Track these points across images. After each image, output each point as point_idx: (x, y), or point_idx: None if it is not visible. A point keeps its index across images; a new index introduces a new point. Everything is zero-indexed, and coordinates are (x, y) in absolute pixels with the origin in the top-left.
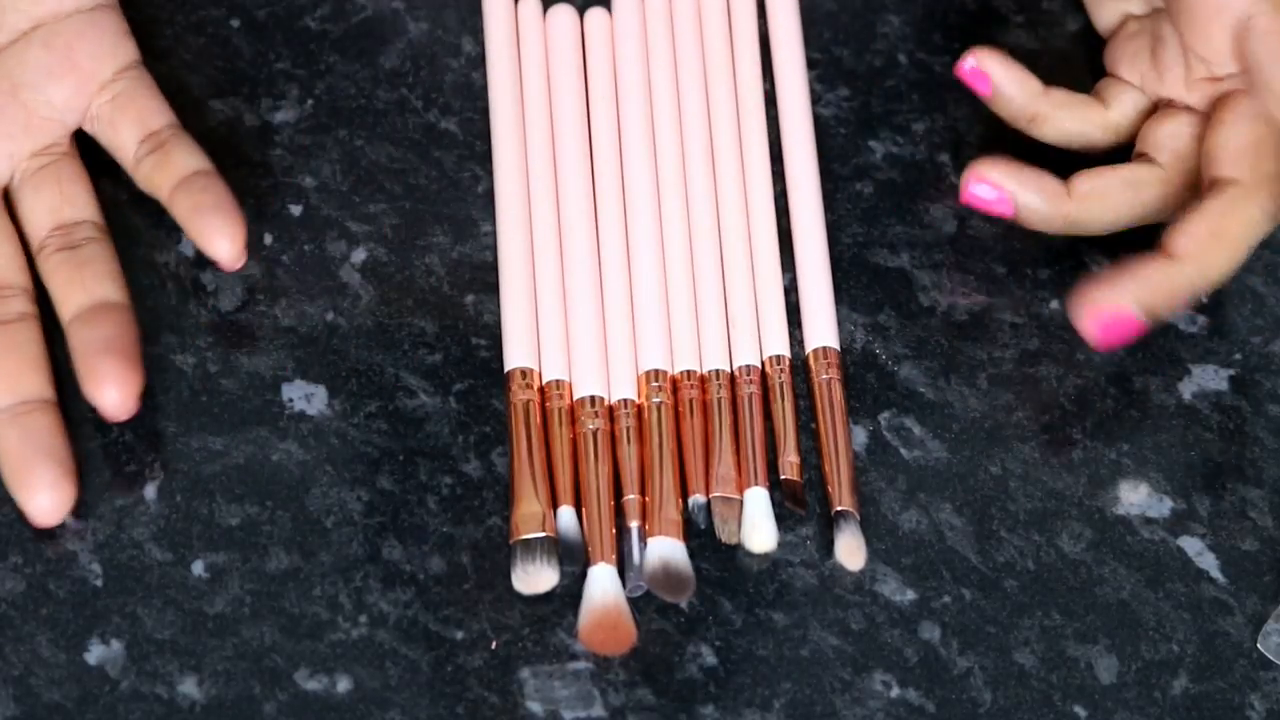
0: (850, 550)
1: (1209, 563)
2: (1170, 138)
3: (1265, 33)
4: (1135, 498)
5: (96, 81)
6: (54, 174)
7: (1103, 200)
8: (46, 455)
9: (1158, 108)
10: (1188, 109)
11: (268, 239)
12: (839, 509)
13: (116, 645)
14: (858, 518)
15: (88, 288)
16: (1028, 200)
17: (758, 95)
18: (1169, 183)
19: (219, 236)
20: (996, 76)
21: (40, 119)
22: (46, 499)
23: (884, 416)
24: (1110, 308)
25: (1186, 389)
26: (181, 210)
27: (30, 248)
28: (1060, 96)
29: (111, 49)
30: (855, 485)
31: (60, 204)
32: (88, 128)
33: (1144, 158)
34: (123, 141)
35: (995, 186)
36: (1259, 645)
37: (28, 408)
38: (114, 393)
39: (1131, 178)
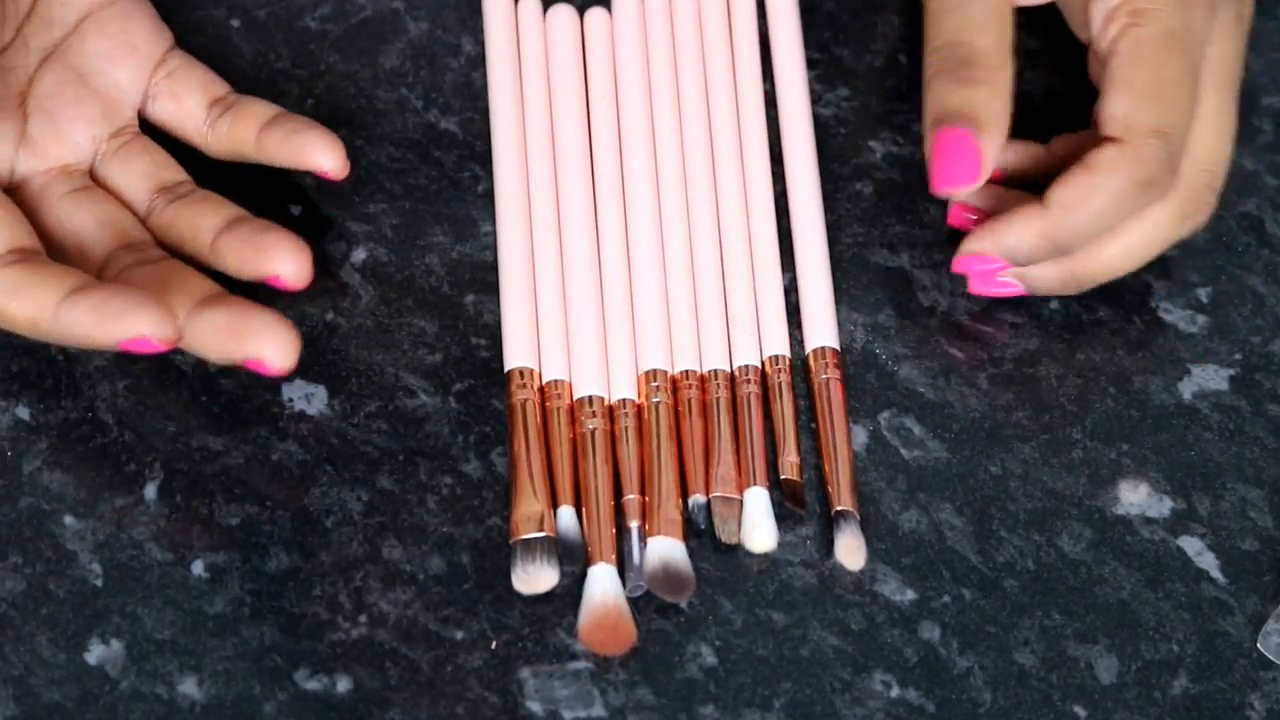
0: (850, 550)
1: (1209, 563)
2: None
3: (1112, 57)
4: (1135, 498)
5: (153, 60)
6: (139, 147)
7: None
8: (257, 312)
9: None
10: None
11: None
12: (839, 509)
13: (116, 645)
14: (858, 517)
15: (216, 212)
16: (1014, 242)
17: (758, 95)
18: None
19: (322, 150)
20: (1008, 253)
21: (114, 101)
22: (273, 346)
23: (884, 416)
24: (977, 254)
25: (1186, 389)
26: (274, 144)
27: (137, 214)
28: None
29: (158, 30)
30: (855, 485)
31: (155, 169)
32: (147, 108)
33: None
34: (188, 110)
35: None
36: (1259, 645)
37: (213, 299)
38: (290, 262)
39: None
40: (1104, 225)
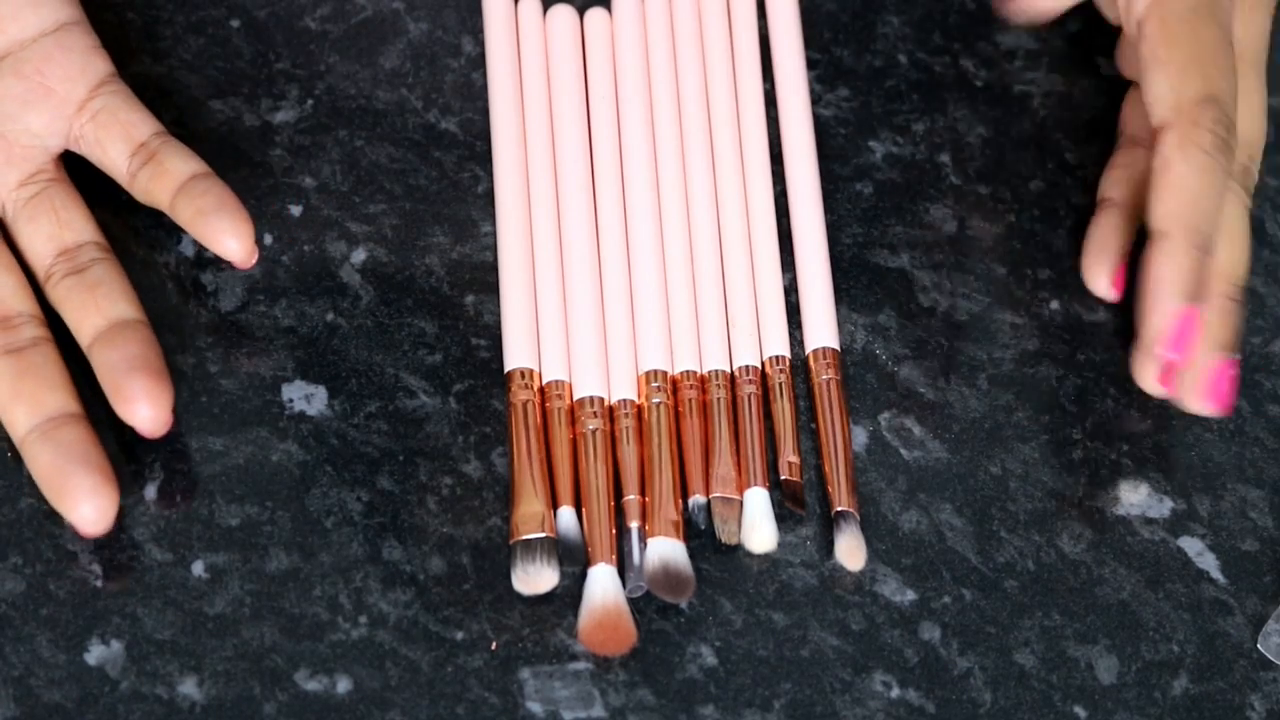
0: (850, 550)
1: (1209, 563)
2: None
3: (1145, 39)
4: (1135, 498)
5: (73, 103)
6: (47, 201)
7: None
8: (82, 463)
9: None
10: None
11: (268, 239)
12: (839, 509)
13: (116, 645)
14: (858, 518)
15: (102, 309)
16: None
17: (758, 95)
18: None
19: (227, 236)
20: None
21: (22, 148)
22: (90, 508)
23: (884, 416)
24: (1166, 344)
25: None
26: (185, 216)
27: (37, 278)
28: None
29: (82, 68)
30: (855, 485)
31: (58, 230)
32: (74, 149)
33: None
34: (112, 159)
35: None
36: (1259, 646)
37: (55, 423)
38: (147, 409)
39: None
40: (1214, 208)
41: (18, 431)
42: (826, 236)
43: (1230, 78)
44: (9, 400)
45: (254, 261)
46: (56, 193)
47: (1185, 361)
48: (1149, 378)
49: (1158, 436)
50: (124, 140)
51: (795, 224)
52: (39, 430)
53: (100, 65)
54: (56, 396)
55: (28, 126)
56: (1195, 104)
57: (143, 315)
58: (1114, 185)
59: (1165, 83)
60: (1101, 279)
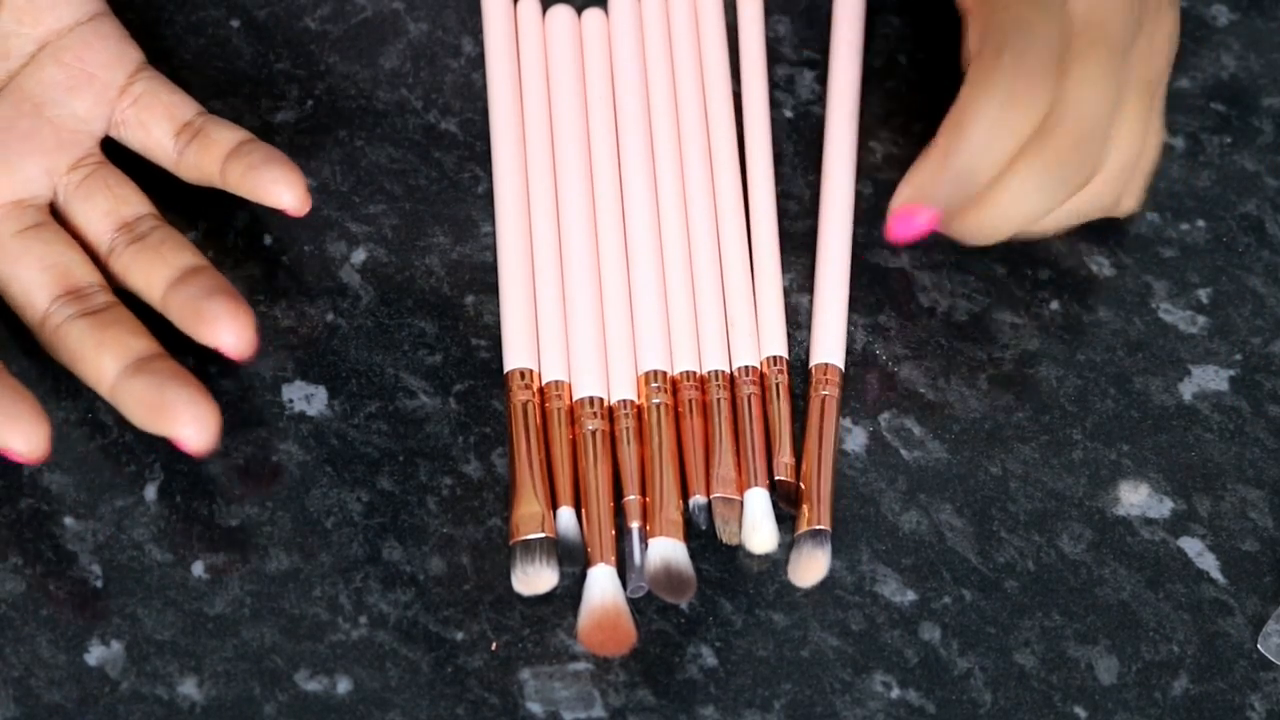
0: (806, 570)
1: (1209, 563)
2: None
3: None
4: (1135, 498)
5: (115, 88)
6: (100, 180)
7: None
8: (181, 385)
9: None
10: None
11: (267, 239)
12: (817, 527)
13: (116, 646)
14: (829, 534)
15: (169, 262)
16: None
17: (763, 95)
18: None
19: (280, 187)
20: (927, 196)
21: (70, 132)
22: (194, 424)
23: (884, 417)
24: (903, 207)
25: (1186, 389)
26: (235, 177)
27: (98, 255)
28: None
29: (119, 55)
30: (832, 504)
31: (115, 205)
32: (115, 134)
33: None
34: (156, 140)
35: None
36: (1259, 646)
37: (145, 360)
38: (231, 331)
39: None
40: (988, 147)
41: (106, 378)
42: (850, 252)
43: (1040, 11)
44: (94, 351)
45: (308, 209)
46: (108, 172)
47: (905, 242)
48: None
49: (1158, 436)
50: (168, 120)
51: (822, 233)
52: (129, 370)
53: (133, 52)
54: (141, 341)
55: (74, 112)
56: (988, 49)
57: (209, 264)
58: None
59: (972, 37)
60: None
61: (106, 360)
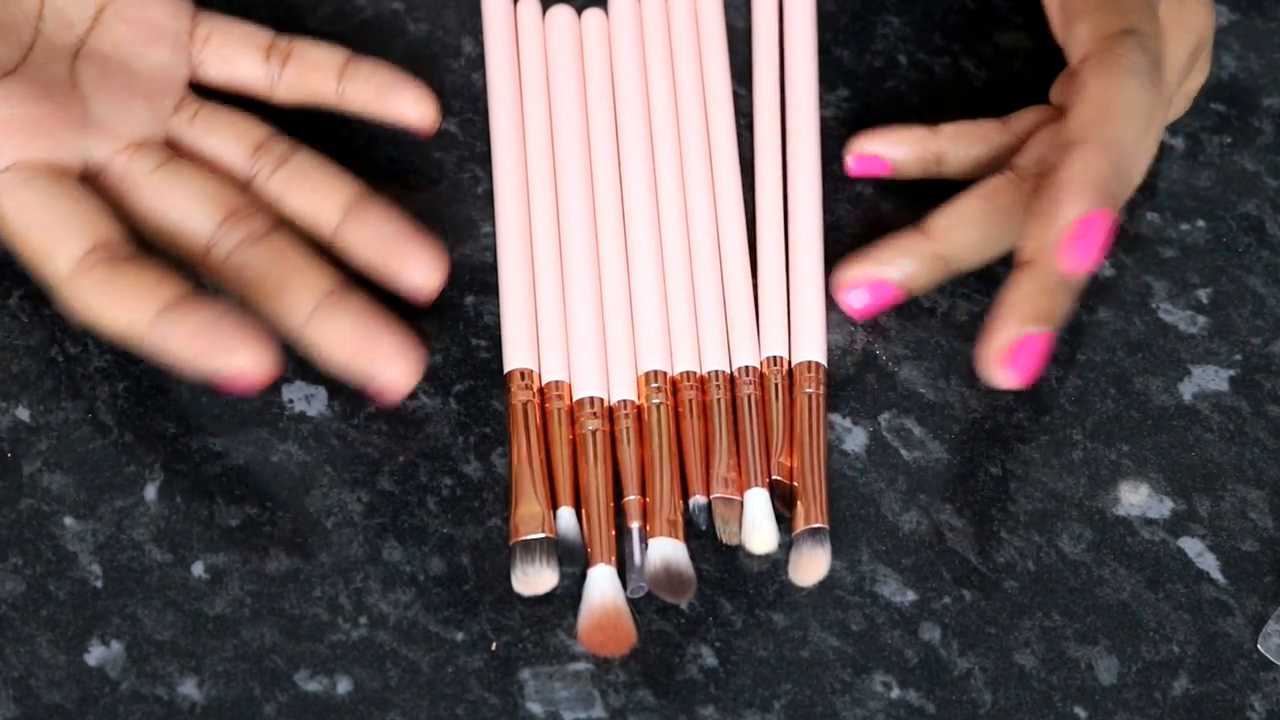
0: (809, 568)
1: (1209, 563)
2: (1039, 142)
3: (1065, 6)
4: (1135, 498)
5: (184, 33)
6: (213, 114)
7: (963, 221)
8: (385, 328)
9: None
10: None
11: None
12: (816, 525)
13: (116, 646)
14: (828, 532)
15: (334, 188)
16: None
17: (774, 97)
18: (1019, 186)
19: (412, 105)
20: (884, 149)
21: (161, 79)
22: (400, 367)
23: (884, 417)
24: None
25: (1186, 389)
26: (363, 99)
27: (239, 180)
28: (951, 129)
29: (174, 3)
30: (827, 504)
31: (242, 130)
32: (198, 77)
33: (1008, 165)
34: (246, 69)
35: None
36: (1259, 646)
37: (337, 295)
38: (426, 269)
39: (984, 190)
40: (1135, 123)
41: (300, 313)
42: (823, 245)
43: (1151, 18)
44: (283, 286)
45: (438, 125)
46: (217, 105)
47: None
48: (1021, 291)
49: (1158, 436)
50: (250, 48)
51: (792, 232)
52: (324, 306)
53: (185, 1)
54: (325, 273)
55: (159, 60)
56: (1114, 35)
57: (368, 189)
58: (941, 216)
59: (1085, 27)
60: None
61: (298, 296)
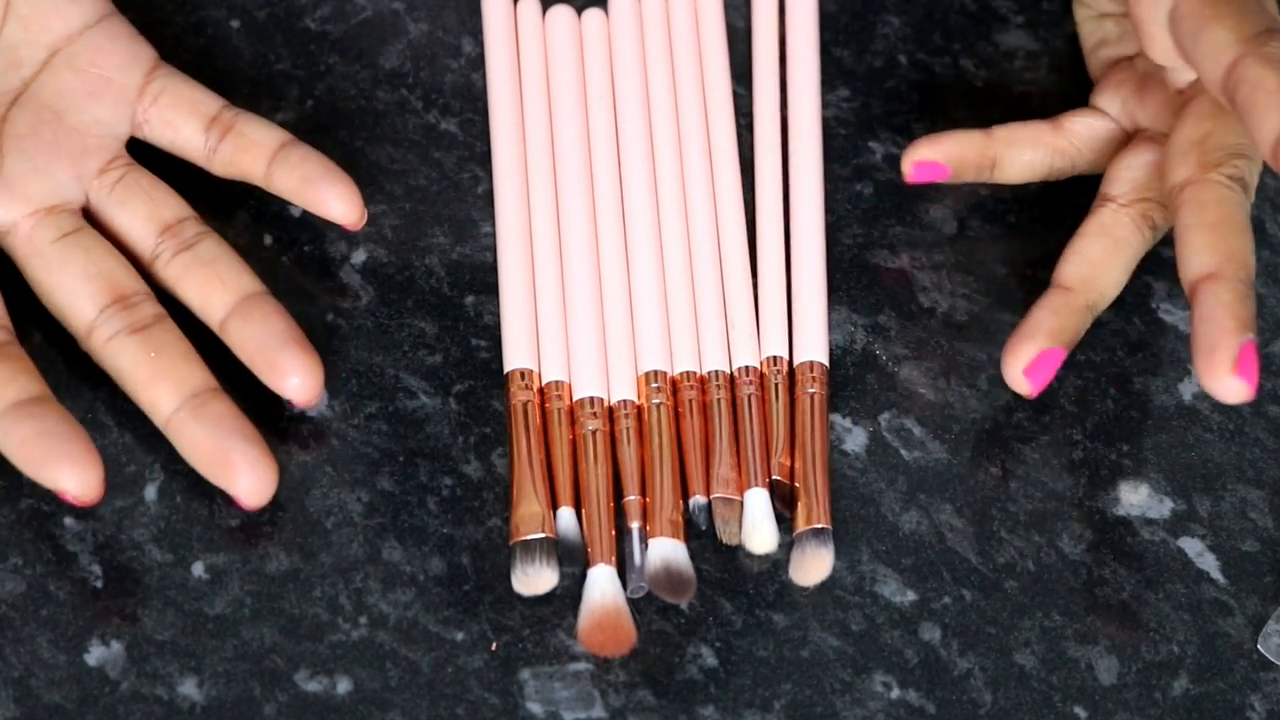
0: (810, 570)
1: (1209, 563)
2: (1128, 169)
3: (1186, 16)
4: (1135, 499)
5: (133, 89)
6: (134, 184)
7: (1095, 266)
8: (240, 437)
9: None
10: (1153, 139)
11: (268, 239)
12: (818, 525)
13: (116, 646)
14: (830, 532)
15: (226, 284)
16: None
17: (774, 96)
18: (1126, 212)
19: (337, 201)
20: (943, 154)
21: (95, 137)
22: (251, 480)
23: (884, 417)
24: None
25: (1186, 390)
26: (288, 186)
27: (141, 259)
28: (1005, 133)
29: (132, 55)
30: (829, 502)
31: (154, 208)
32: (140, 135)
33: (1102, 198)
34: (186, 138)
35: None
36: (1259, 646)
37: (201, 399)
38: (299, 380)
39: (1097, 227)
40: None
41: (163, 411)
42: (825, 245)
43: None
44: (149, 381)
45: (364, 222)
46: (140, 175)
47: (1254, 390)
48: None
49: (1158, 436)
50: (195, 116)
51: (794, 232)
52: (187, 408)
53: (147, 51)
54: (195, 372)
55: (96, 117)
56: (1259, 35)
57: (264, 287)
58: (1073, 267)
59: (1222, 30)
60: (1017, 365)
61: (163, 393)
